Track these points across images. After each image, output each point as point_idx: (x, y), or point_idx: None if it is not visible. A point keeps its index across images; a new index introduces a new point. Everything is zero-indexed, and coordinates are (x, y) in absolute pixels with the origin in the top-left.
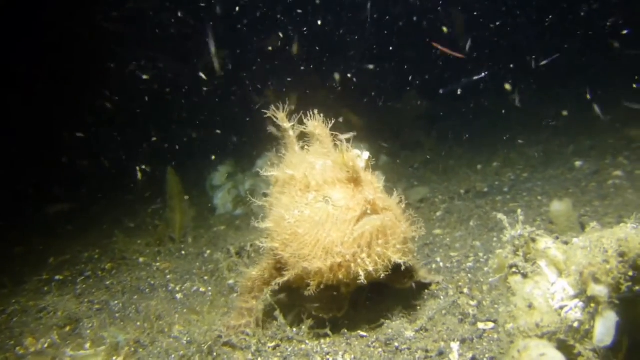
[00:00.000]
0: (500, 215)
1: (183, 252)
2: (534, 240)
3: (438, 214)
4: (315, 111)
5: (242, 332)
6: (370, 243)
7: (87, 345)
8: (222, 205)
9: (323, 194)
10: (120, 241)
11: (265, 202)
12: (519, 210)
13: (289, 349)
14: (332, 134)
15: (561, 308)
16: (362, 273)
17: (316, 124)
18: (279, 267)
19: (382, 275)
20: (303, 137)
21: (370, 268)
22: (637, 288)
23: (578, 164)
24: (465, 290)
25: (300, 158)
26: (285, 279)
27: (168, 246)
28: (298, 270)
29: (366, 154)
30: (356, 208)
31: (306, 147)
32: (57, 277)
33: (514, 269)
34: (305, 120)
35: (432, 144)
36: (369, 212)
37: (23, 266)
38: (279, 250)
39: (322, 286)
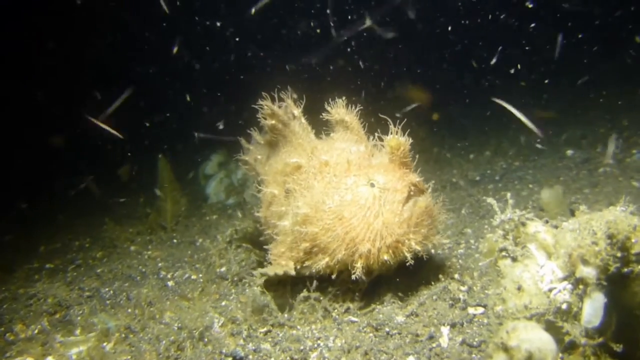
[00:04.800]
0: (490, 199)
1: (175, 241)
2: (523, 224)
3: None
4: (343, 99)
5: (234, 320)
6: (418, 223)
7: (77, 331)
8: (214, 194)
9: (366, 177)
10: (111, 229)
11: (289, 189)
12: (508, 194)
13: (280, 335)
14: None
15: (550, 290)
16: (408, 254)
17: (344, 111)
18: (309, 251)
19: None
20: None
21: (418, 248)
22: (625, 269)
23: (569, 152)
24: (456, 276)
25: (328, 145)
26: (323, 263)
27: (159, 234)
28: (344, 255)
29: (403, 138)
30: (403, 190)
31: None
32: (47, 266)
33: (503, 253)
34: (328, 108)
35: (424, 133)
36: (412, 193)
37: (13, 254)
38: (318, 235)
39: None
